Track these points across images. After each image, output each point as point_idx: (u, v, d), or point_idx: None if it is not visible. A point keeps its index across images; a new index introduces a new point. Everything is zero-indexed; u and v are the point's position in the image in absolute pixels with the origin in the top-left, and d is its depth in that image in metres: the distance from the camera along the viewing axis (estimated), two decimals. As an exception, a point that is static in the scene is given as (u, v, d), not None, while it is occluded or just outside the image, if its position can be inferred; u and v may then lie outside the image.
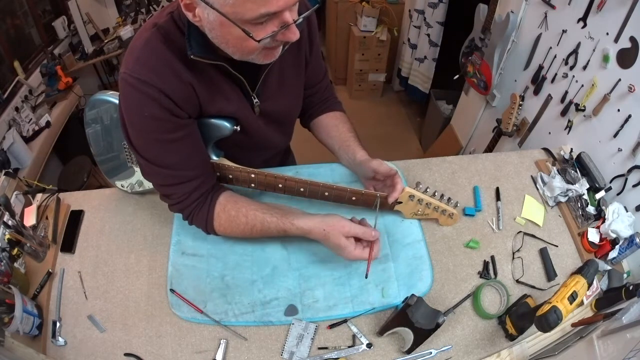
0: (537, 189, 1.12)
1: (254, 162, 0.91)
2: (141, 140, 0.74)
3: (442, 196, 0.94)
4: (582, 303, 0.91)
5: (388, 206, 0.94)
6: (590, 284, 0.78)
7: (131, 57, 0.68)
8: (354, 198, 0.90)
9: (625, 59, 1.08)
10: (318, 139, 1.07)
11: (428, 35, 2.64)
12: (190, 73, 0.71)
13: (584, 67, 1.22)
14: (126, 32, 2.83)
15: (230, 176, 0.89)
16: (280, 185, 0.89)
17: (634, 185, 1.06)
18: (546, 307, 0.74)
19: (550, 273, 0.96)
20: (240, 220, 0.84)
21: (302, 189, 0.89)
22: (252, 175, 0.88)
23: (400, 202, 0.93)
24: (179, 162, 0.77)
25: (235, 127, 0.82)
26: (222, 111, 0.80)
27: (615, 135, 1.11)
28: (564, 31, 1.30)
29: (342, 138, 1.00)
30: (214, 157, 0.88)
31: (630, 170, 1.07)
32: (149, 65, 0.67)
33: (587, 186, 1.09)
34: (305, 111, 1.05)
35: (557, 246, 1.01)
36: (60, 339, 0.84)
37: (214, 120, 0.82)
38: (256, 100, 0.83)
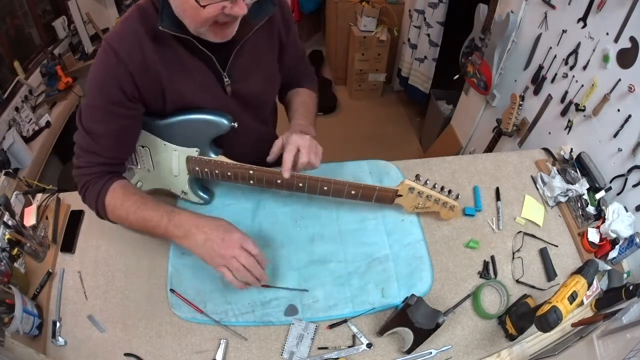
0: (537, 189, 1.12)
1: (250, 159, 0.91)
2: (88, 100, 0.78)
3: (442, 188, 0.94)
4: (582, 303, 0.91)
5: (388, 200, 0.93)
6: (590, 284, 0.78)
7: (113, 30, 0.77)
8: (352, 192, 0.90)
9: (625, 59, 1.08)
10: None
11: (428, 35, 2.64)
12: (156, 48, 0.75)
13: (584, 67, 1.22)
14: (126, 32, 2.83)
15: (229, 173, 0.89)
16: (278, 181, 0.89)
17: (634, 185, 1.06)
18: (546, 307, 0.74)
19: (550, 273, 0.96)
20: (125, 203, 0.80)
21: (300, 184, 0.89)
22: (251, 172, 0.88)
23: (401, 195, 0.93)
24: (103, 136, 0.79)
25: (232, 123, 0.84)
26: (185, 90, 0.81)
27: (615, 135, 1.11)
28: (564, 31, 1.30)
29: (292, 109, 1.02)
30: (212, 155, 0.88)
31: (630, 170, 1.07)
32: (120, 34, 0.75)
33: (587, 186, 1.09)
34: (282, 90, 1.08)
35: (557, 246, 1.01)
36: (60, 339, 0.84)
37: (210, 117, 0.83)
38: (227, 79, 0.85)
